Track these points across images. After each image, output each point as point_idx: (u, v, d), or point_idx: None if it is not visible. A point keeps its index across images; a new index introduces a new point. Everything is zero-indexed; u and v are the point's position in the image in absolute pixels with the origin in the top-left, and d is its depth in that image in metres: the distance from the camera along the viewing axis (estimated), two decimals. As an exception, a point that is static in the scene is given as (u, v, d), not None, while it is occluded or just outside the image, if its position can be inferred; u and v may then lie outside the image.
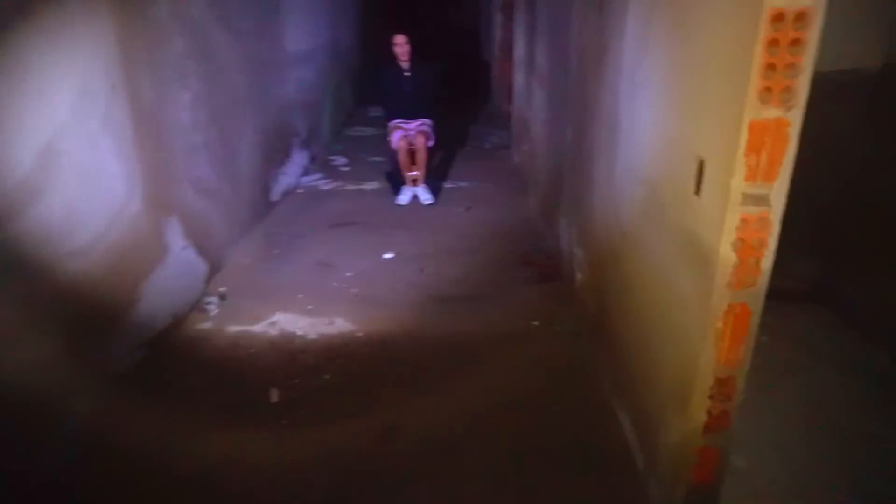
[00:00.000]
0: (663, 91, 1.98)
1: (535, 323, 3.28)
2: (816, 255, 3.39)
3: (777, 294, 3.39)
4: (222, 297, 3.57)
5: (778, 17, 1.36)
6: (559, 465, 2.31)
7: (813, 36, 1.37)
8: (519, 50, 5.80)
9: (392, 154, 5.13)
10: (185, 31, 3.33)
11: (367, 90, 8.85)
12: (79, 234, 2.44)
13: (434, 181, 5.32)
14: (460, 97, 8.92)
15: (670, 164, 1.91)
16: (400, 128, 5.13)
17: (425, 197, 5.08)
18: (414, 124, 5.14)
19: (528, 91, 5.26)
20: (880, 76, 2.99)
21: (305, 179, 5.79)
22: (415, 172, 5.06)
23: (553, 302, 3.49)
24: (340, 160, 6.47)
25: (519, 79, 5.83)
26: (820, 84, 2.91)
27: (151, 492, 2.20)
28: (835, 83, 2.96)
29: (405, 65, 5.05)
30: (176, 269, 3.27)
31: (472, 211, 4.94)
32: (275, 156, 5.06)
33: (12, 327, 2.10)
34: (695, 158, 1.71)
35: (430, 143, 5.11)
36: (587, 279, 3.08)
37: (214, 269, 3.74)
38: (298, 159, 5.75)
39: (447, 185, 5.54)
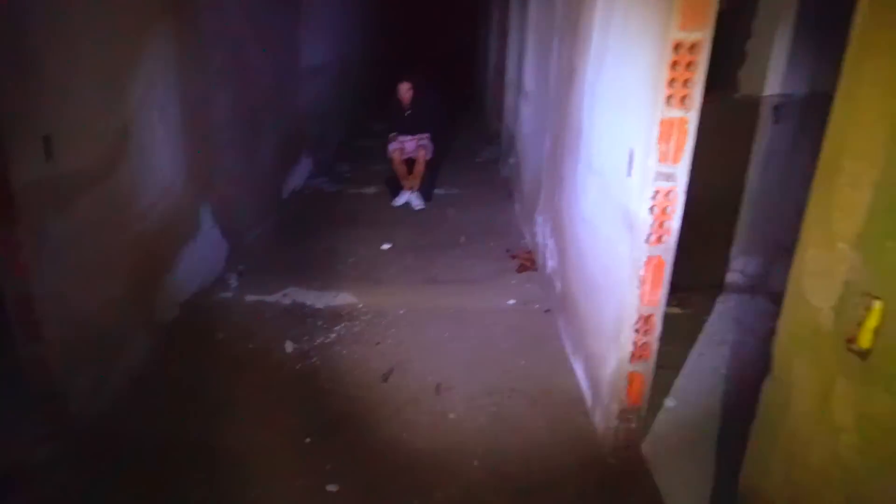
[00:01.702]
0: (611, 100, 2.56)
1: (512, 302, 3.83)
2: (758, 254, 3.97)
3: (725, 286, 3.99)
4: (241, 273, 4.10)
5: (678, 46, 1.94)
6: (525, 400, 2.84)
7: (703, 59, 1.95)
8: (511, 73, 6.43)
9: (390, 161, 5.72)
10: (226, 45, 3.92)
11: (371, 105, 9.48)
12: (139, 201, 2.97)
13: (428, 188, 5.89)
14: (455, 115, 9.54)
15: (613, 155, 2.49)
16: (397, 139, 5.73)
17: (417, 203, 5.64)
18: (412, 139, 5.74)
19: (516, 109, 5.86)
20: (805, 100, 3.59)
21: (312, 182, 6.35)
22: (410, 181, 5.65)
23: (529, 287, 4.04)
24: (344, 167, 7.04)
25: (509, 98, 6.45)
26: (764, 106, 3.49)
27: (188, 414, 2.70)
28: (776, 105, 3.56)
29: (406, 104, 5.70)
30: (205, 244, 3.80)
31: (461, 213, 5.51)
32: (288, 157, 5.62)
33: (96, 269, 2.63)
34: (627, 149, 2.28)
35: (429, 157, 5.68)
36: (556, 264, 3.64)
37: (235, 249, 4.27)
38: (306, 163, 6.32)
39: (440, 191, 6.10)
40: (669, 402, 2.84)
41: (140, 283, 3.00)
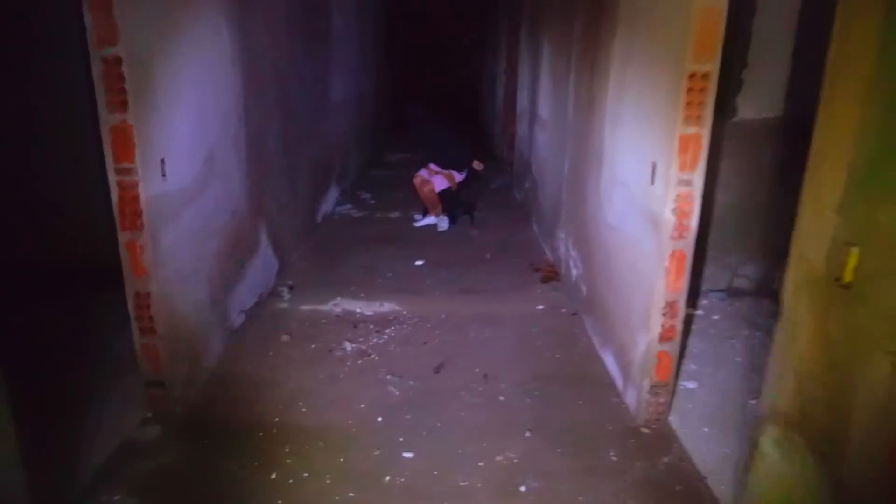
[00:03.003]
0: (633, 123, 3.02)
1: (541, 307, 4.24)
2: (761, 260, 4.39)
3: (732, 290, 4.39)
4: (291, 287, 4.51)
5: (693, 76, 2.41)
6: (564, 386, 3.24)
7: (712, 86, 2.41)
8: (522, 104, 6.95)
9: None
10: (277, 81, 4.41)
11: (383, 137, 10.01)
12: (219, 218, 3.40)
13: (451, 211, 6.34)
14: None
15: (637, 168, 2.93)
16: (426, 168, 6.22)
17: (441, 225, 6.12)
18: (436, 169, 6.22)
19: (530, 138, 6.36)
20: (793, 119, 4.06)
21: (339, 208, 6.81)
22: (432, 209, 6.14)
23: (555, 294, 4.46)
24: (366, 194, 7.51)
25: (522, 128, 6.96)
26: (760, 127, 3.95)
27: (268, 402, 3.08)
28: (767, 126, 4.04)
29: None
30: (261, 261, 4.22)
31: (483, 234, 5.96)
32: (319, 184, 6.09)
33: (191, 275, 3.04)
34: (650, 162, 2.73)
35: (438, 188, 6.12)
36: (581, 271, 4.06)
37: (282, 266, 4.69)
38: (334, 191, 6.78)
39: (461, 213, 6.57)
40: (690, 384, 3.23)
41: (218, 289, 3.41)
